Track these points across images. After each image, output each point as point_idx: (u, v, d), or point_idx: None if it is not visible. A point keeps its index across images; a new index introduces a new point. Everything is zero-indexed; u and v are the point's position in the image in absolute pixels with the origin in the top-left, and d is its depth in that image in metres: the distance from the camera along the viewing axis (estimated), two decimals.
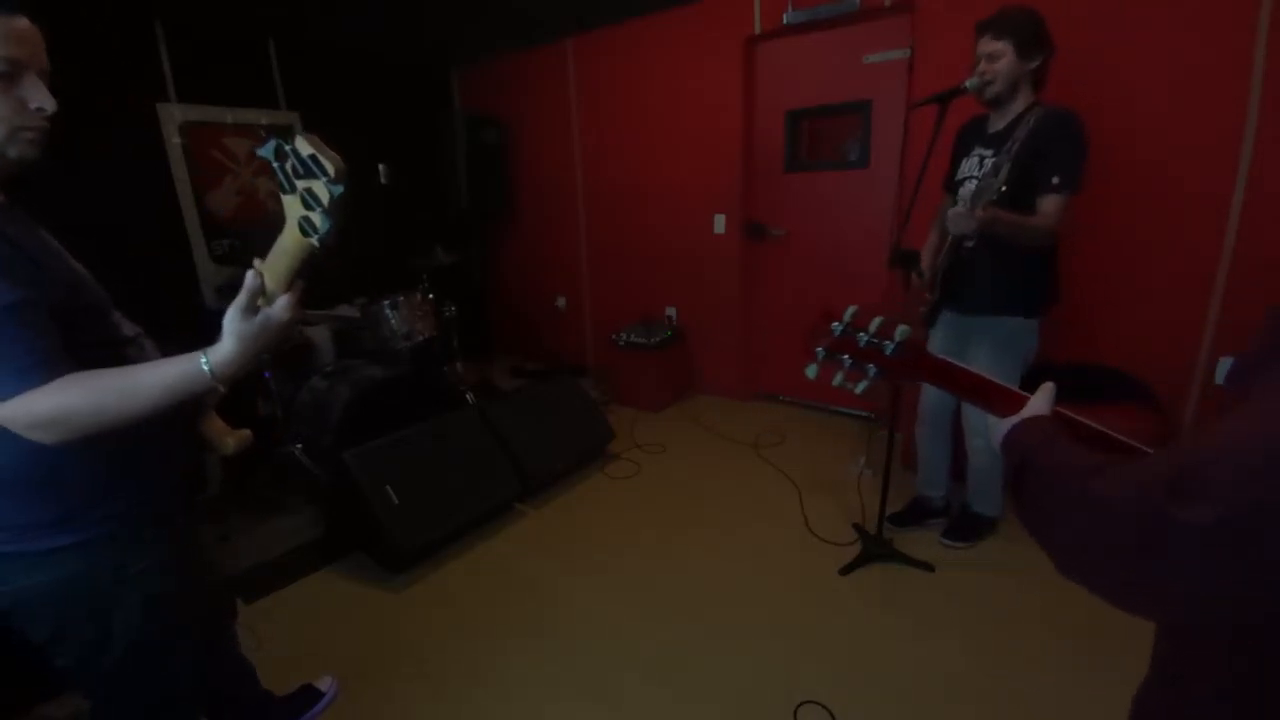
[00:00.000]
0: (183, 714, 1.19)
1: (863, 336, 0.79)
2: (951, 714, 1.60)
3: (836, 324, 0.81)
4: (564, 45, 3.98)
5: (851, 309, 0.80)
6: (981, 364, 1.99)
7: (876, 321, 0.79)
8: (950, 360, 0.78)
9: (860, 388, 0.80)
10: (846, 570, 2.16)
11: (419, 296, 3.09)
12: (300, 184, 0.78)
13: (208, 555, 1.38)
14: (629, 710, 1.66)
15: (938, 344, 2.15)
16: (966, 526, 2.27)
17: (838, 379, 0.82)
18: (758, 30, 3.18)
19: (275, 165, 0.79)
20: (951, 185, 2.09)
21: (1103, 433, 0.66)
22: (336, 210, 0.78)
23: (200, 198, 3.39)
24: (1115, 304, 2.42)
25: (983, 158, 1.94)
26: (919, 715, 1.60)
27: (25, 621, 0.99)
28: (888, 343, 0.78)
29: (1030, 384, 0.73)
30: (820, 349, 0.81)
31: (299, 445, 2.65)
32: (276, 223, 0.81)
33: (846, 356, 0.81)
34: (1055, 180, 1.75)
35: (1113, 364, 2.33)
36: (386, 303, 2.96)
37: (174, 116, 3.24)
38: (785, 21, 3.05)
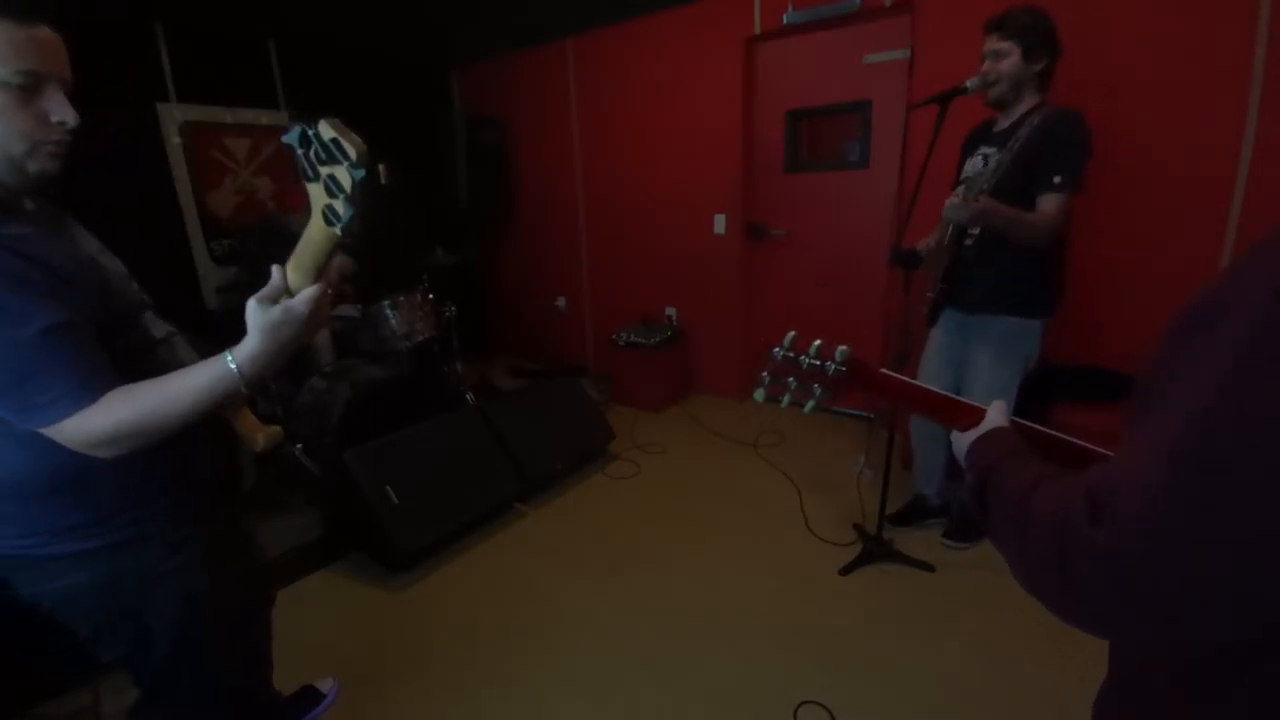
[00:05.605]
0: (245, 703, 1.20)
1: (804, 359, 0.82)
2: (951, 714, 1.60)
3: (777, 349, 0.84)
4: (564, 45, 3.98)
5: (791, 334, 0.84)
6: (982, 365, 1.99)
7: (815, 345, 0.82)
8: (897, 375, 0.80)
9: (809, 408, 0.83)
10: (846, 570, 2.16)
11: (419, 296, 3.09)
12: (324, 170, 0.75)
13: (252, 547, 1.38)
14: (628, 710, 1.66)
15: (939, 342, 2.16)
16: (966, 527, 2.27)
17: (785, 400, 0.86)
18: (758, 30, 3.18)
19: (300, 152, 0.76)
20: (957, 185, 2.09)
21: (1061, 438, 0.68)
22: (359, 197, 0.75)
23: (200, 198, 3.39)
24: (1117, 305, 2.42)
25: (986, 156, 1.94)
26: (918, 715, 1.60)
27: (69, 619, 1.00)
28: (829, 364, 0.81)
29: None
30: (765, 374, 0.85)
31: (299, 445, 2.65)
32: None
33: (791, 379, 0.84)
34: (1056, 179, 1.74)
35: (1115, 366, 2.32)
36: (386, 303, 2.96)
37: (174, 116, 3.24)
38: (785, 21, 3.05)
